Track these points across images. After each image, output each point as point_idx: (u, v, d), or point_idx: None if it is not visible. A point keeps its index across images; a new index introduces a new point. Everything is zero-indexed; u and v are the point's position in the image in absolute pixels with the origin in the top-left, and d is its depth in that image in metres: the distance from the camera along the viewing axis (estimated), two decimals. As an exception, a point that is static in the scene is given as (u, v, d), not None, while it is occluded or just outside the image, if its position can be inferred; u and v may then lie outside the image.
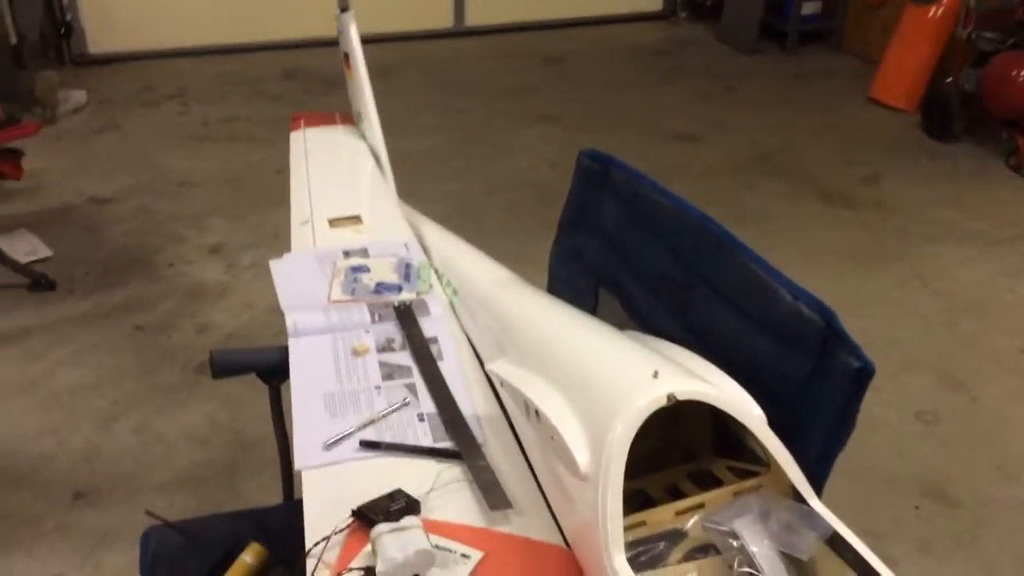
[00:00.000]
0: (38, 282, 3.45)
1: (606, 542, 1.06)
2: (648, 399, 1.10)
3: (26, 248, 3.66)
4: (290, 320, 1.67)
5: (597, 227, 1.63)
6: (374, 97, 2.38)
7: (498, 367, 1.41)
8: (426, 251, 1.97)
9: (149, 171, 4.39)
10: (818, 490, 1.16)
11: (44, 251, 3.68)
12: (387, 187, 2.29)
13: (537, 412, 1.23)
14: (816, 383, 1.18)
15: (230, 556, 1.55)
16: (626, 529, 1.12)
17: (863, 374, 1.11)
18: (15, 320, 3.28)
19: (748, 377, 1.26)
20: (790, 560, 1.11)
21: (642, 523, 1.13)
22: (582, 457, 1.12)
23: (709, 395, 1.12)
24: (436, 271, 1.89)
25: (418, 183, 4.60)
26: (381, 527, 1.20)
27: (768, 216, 4.13)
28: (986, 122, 4.72)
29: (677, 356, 1.31)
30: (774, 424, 1.21)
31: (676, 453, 1.31)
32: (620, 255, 1.57)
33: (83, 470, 2.62)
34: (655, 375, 1.14)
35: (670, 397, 1.10)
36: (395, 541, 1.16)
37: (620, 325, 1.52)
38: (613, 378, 1.19)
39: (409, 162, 4.59)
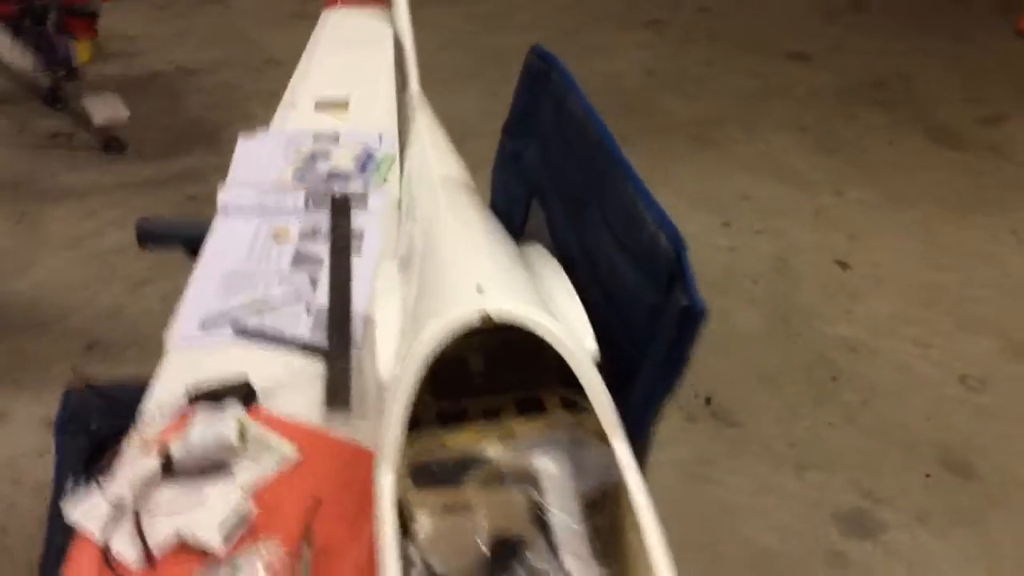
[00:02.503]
0: (110, 144, 3.58)
1: (380, 456, 1.00)
2: (461, 314, 1.02)
3: (108, 110, 3.78)
4: (222, 197, 1.65)
5: (534, 132, 1.52)
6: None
7: (380, 267, 1.35)
8: (405, 145, 1.90)
9: (242, 46, 4.45)
10: (640, 433, 1.06)
11: (124, 114, 3.79)
12: (390, 76, 2.21)
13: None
14: (659, 320, 1.06)
15: (141, 422, 1.57)
16: (422, 447, 1.07)
17: (690, 315, 0.99)
18: (81, 177, 3.43)
19: (617, 309, 1.16)
20: (599, 501, 1.04)
21: (441, 444, 1.07)
22: (384, 366, 1.06)
23: (528, 320, 1.02)
24: (403, 166, 1.82)
25: (500, 84, 4.51)
26: (201, 411, 1.18)
27: (862, 148, 3.84)
28: None
29: (547, 278, 1.22)
30: (624, 361, 1.11)
31: (539, 379, 1.22)
32: (549, 165, 1.47)
33: (104, 325, 2.74)
34: (478, 290, 1.05)
35: (484, 317, 1.02)
36: (203, 427, 1.14)
37: (542, 241, 1.43)
38: (444, 288, 1.11)
39: (496, 60, 4.51)
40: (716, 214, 3.41)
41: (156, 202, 3.29)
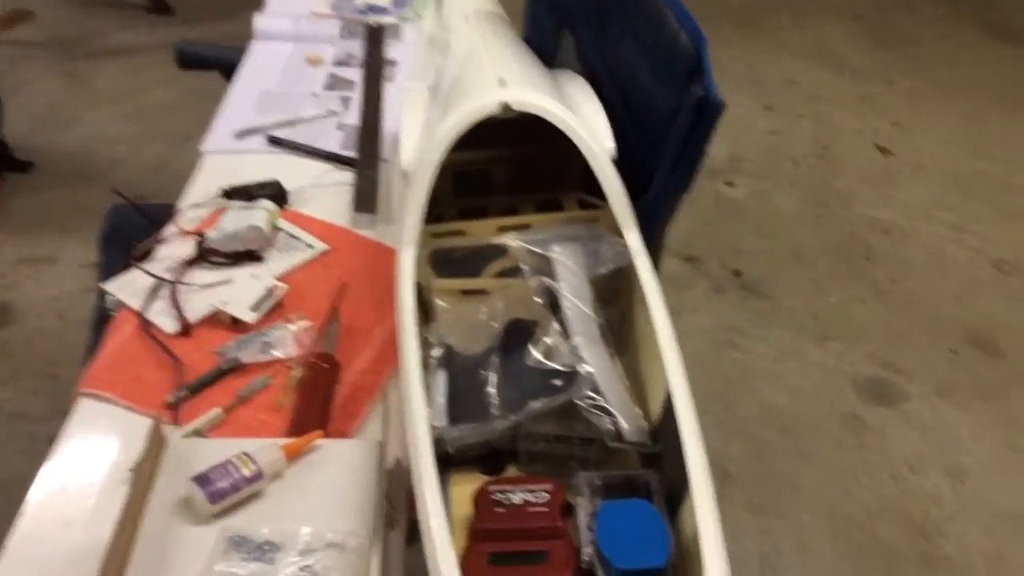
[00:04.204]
0: (158, 6, 3.60)
1: (400, 235, 1.04)
2: (483, 102, 1.04)
3: (156, -28, 3.80)
4: (258, 22, 1.67)
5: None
6: None
7: (410, 87, 1.37)
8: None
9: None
10: (653, 230, 1.09)
11: (172, -22, 3.81)
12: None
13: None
14: (675, 118, 1.08)
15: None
16: (442, 235, 1.11)
17: (706, 105, 1.01)
18: (128, 37, 3.46)
19: (635, 117, 1.18)
20: (612, 297, 1.07)
21: (461, 232, 1.11)
22: (407, 156, 1.10)
23: (546, 110, 1.05)
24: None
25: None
26: (234, 203, 1.23)
27: (915, 40, 3.75)
28: None
29: (573, 91, 1.24)
30: (641, 170, 1.14)
31: (560, 187, 1.25)
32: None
33: (148, 179, 2.80)
34: (500, 83, 1.08)
35: (504, 105, 1.04)
36: (236, 215, 1.19)
37: (571, 68, 1.44)
38: (469, 86, 1.13)
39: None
40: (760, 98, 3.37)
41: (201, 64, 3.31)
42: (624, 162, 1.14)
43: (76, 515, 0.84)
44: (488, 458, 0.98)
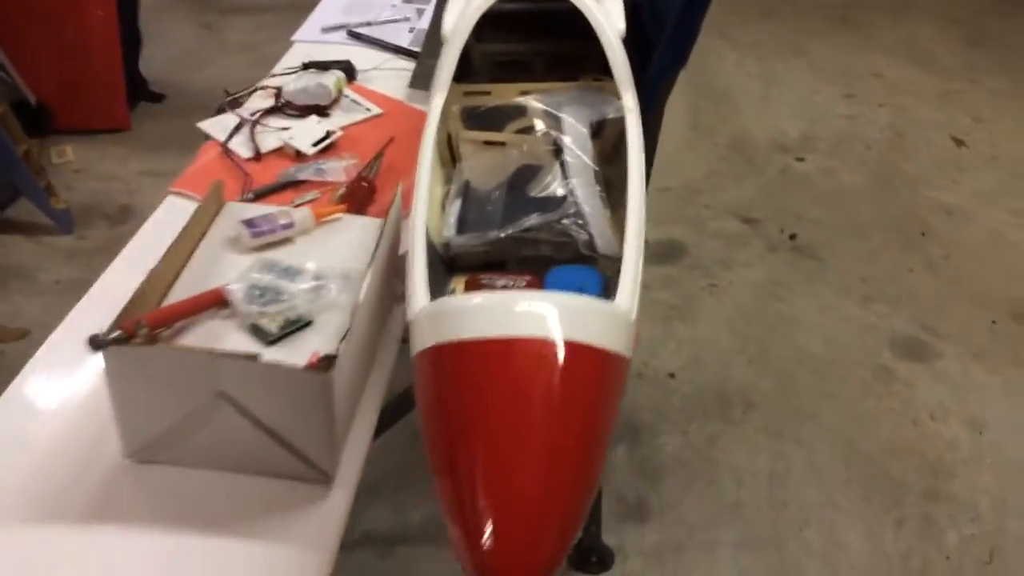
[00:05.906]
0: (288, -27, 3.95)
1: (434, 85, 1.25)
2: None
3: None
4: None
5: None
6: None
7: None
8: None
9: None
10: (652, 101, 1.28)
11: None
12: None
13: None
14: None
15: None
16: (471, 94, 1.32)
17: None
18: (264, -1, 3.82)
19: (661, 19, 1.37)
20: (613, 156, 1.26)
21: (487, 92, 1.32)
22: (448, 25, 1.31)
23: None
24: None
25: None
26: (310, 70, 1.47)
27: (1007, 44, 3.80)
28: None
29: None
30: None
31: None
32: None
33: (262, 114, 3.10)
34: (539, -31, 1.28)
35: (529, -20, 1.25)
36: (309, 76, 1.44)
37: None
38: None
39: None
40: (842, 87, 3.48)
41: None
42: (646, 51, 1.33)
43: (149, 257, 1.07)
44: (487, 267, 1.18)
